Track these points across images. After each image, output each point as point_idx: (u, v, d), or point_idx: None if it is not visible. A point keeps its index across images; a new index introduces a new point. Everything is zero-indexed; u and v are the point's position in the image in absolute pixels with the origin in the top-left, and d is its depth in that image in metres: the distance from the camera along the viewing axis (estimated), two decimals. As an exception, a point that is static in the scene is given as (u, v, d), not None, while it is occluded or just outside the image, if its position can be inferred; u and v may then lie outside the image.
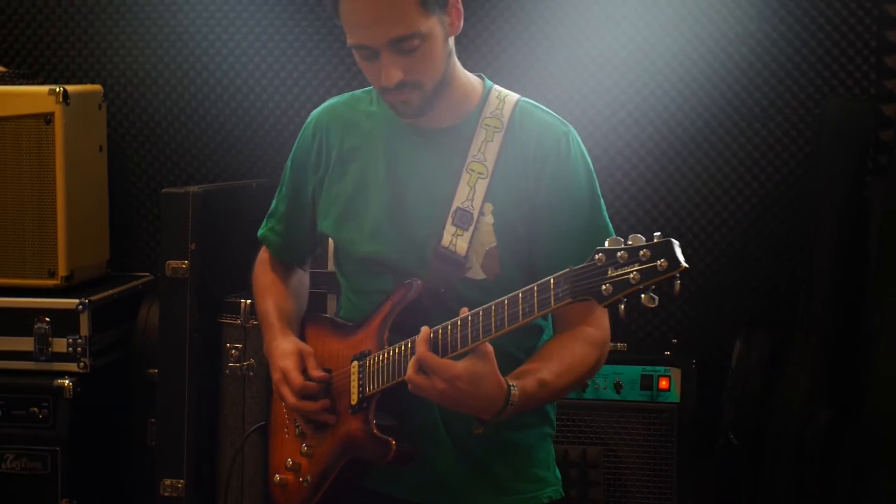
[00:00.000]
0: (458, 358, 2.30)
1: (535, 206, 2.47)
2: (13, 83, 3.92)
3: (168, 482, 3.64)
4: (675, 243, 2.06)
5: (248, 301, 3.66)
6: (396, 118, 2.54)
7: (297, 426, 2.64)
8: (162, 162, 4.29)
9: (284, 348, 2.62)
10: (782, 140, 3.97)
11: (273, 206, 2.79)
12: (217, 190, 3.89)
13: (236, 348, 3.67)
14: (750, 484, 3.65)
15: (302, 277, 2.85)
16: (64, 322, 3.74)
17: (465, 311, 2.31)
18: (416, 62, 2.38)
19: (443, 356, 2.30)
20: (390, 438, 2.44)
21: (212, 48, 4.21)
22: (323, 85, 4.16)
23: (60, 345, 3.74)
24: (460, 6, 2.45)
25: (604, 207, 2.52)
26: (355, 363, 2.52)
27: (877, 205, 3.69)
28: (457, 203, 2.48)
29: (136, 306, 3.99)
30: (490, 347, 2.27)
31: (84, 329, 3.74)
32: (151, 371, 3.77)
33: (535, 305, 2.21)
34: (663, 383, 3.59)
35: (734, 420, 3.68)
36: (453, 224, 2.48)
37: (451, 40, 2.46)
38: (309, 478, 2.60)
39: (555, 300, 2.18)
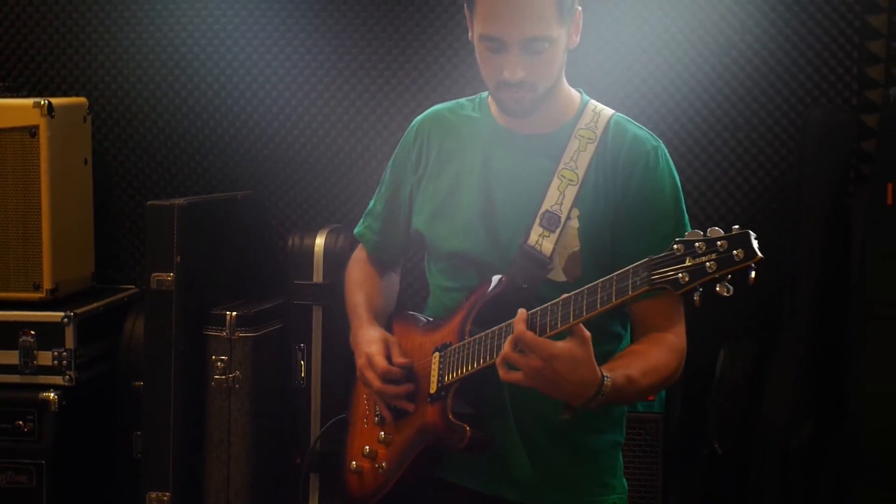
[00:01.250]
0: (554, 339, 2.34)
1: (620, 213, 2.55)
2: (-3, 96, 3.93)
3: (154, 495, 3.64)
4: (752, 235, 2.13)
5: (234, 313, 3.68)
6: (496, 123, 2.66)
7: (377, 415, 2.72)
8: (147, 174, 4.30)
9: (371, 335, 2.72)
10: (765, 150, 3.98)
11: (371, 205, 2.89)
12: (202, 202, 3.89)
13: (222, 360, 3.67)
14: (735, 493, 3.66)
15: (393, 278, 2.94)
16: (49, 335, 3.74)
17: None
18: (539, 64, 2.49)
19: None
20: (465, 425, 2.50)
21: (196, 60, 4.21)
22: (308, 97, 4.17)
23: (45, 358, 3.74)
24: (581, 22, 2.56)
25: (687, 222, 2.59)
26: (436, 354, 2.60)
27: (859, 214, 3.71)
28: (546, 206, 2.57)
29: (122, 319, 3.99)
30: (588, 333, 2.30)
31: (69, 342, 3.74)
32: (137, 384, 3.77)
33: (614, 294, 2.27)
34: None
35: (719, 429, 3.69)
36: (541, 225, 2.56)
37: (566, 53, 2.57)
38: (384, 464, 2.68)
39: (632, 287, 2.24)
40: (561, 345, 2.29)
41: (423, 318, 2.75)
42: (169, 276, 3.67)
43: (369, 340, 2.71)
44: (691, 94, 3.98)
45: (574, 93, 2.68)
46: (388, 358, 2.67)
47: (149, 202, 3.77)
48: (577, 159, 2.58)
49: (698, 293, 2.16)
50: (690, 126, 4.00)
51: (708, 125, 3.99)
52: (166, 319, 3.67)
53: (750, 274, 2.13)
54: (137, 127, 4.28)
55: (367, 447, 2.72)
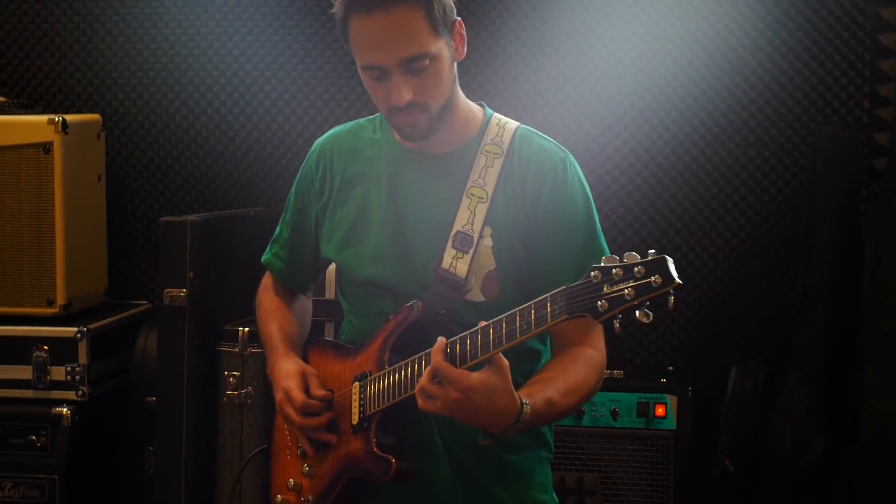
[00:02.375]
0: (471, 370, 2.31)
1: (533, 228, 2.51)
2: (12, 113, 3.94)
3: (164, 510, 3.66)
4: (669, 260, 2.09)
5: (247, 329, 3.68)
6: (398, 144, 2.59)
7: (299, 447, 2.67)
8: (160, 191, 4.31)
9: (287, 369, 2.66)
10: (777, 168, 3.99)
11: (277, 232, 2.83)
12: (215, 218, 3.90)
13: (234, 376, 3.68)
14: (746, 511, 3.66)
15: (305, 303, 2.88)
16: (62, 350, 3.75)
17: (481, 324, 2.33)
18: (424, 83, 2.43)
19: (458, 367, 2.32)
20: (390, 457, 2.46)
21: (209, 77, 4.24)
22: (320, 114, 4.19)
23: (59, 373, 3.75)
24: (464, 32, 2.50)
25: (600, 231, 2.55)
26: (356, 384, 2.55)
27: (871, 232, 3.71)
28: (457, 226, 2.52)
29: (135, 334, 4.00)
30: (506, 362, 2.28)
31: (82, 357, 3.75)
32: (149, 399, 3.77)
33: (533, 323, 2.23)
34: (659, 410, 3.60)
35: (730, 447, 3.68)
36: (453, 247, 2.51)
37: (455, 66, 2.51)
38: (310, 497, 2.63)
39: (551, 317, 2.20)
40: (477, 376, 2.26)
41: (339, 344, 2.70)
42: (182, 291, 3.68)
43: (287, 374, 2.65)
44: (702, 111, 4.00)
45: (475, 107, 2.61)
46: (307, 391, 2.61)
47: (162, 218, 3.77)
48: (486, 176, 2.53)
49: (618, 320, 2.13)
50: (702, 143, 4.01)
51: (719, 144, 4.00)
52: (179, 335, 3.68)
53: (669, 299, 2.09)
54: (151, 143, 4.30)
55: (292, 480, 2.66)
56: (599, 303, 2.13)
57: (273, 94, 4.21)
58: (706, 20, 3.95)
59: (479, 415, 2.28)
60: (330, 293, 3.80)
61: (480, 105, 2.63)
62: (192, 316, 3.68)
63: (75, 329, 3.76)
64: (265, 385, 3.66)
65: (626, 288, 2.10)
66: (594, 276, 2.14)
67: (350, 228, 2.63)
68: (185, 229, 3.70)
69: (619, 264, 2.13)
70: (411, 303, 2.51)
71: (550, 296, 2.21)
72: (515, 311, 2.27)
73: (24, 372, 3.75)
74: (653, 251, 2.11)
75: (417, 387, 2.32)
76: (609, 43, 4.01)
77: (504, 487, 2.57)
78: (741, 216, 4.02)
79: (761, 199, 4.00)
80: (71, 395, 3.74)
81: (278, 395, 2.63)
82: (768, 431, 3.62)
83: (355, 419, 2.54)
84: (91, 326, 3.81)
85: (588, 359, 2.49)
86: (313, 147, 2.73)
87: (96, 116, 4.12)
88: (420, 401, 2.32)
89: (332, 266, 3.76)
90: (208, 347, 3.71)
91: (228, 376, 3.68)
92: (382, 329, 2.54)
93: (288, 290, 2.85)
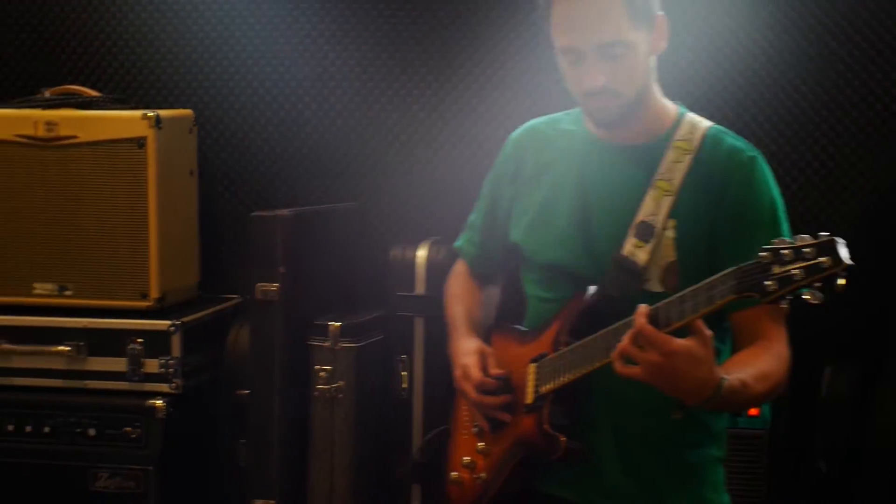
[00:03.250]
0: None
1: (717, 225, 2.56)
2: (107, 108, 3.98)
3: (258, 503, 3.68)
4: (840, 241, 2.12)
5: (337, 324, 3.70)
6: (592, 135, 2.69)
7: (475, 425, 2.77)
8: (251, 185, 4.35)
9: (467, 347, 2.78)
10: (867, 159, 3.93)
11: (471, 219, 2.94)
12: (306, 213, 3.93)
13: (325, 370, 3.70)
14: (841, 512, 3.62)
15: (492, 290, 2.99)
16: (156, 343, 3.79)
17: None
18: (618, 69, 2.52)
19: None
20: (560, 435, 2.54)
21: (300, 73, 4.26)
22: (410, 109, 4.20)
23: (153, 365, 3.79)
24: (665, 28, 2.59)
25: (786, 230, 2.58)
26: (532, 365, 2.65)
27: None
28: (641, 216, 2.58)
29: (226, 328, 4.03)
30: (709, 332, 2.29)
31: (176, 350, 3.78)
32: (241, 392, 3.80)
33: (701, 303, 2.26)
34: (753, 410, 3.57)
35: (825, 448, 3.65)
36: (635, 236, 2.58)
37: (653, 60, 2.60)
38: (483, 475, 2.73)
39: (719, 296, 2.23)
40: (681, 341, 2.28)
41: (520, 330, 2.78)
42: (273, 286, 3.71)
43: (466, 352, 2.77)
44: (793, 103, 3.95)
45: (670, 105, 2.69)
46: (485, 369, 2.71)
47: (253, 213, 3.81)
48: (674, 170, 2.59)
49: (786, 301, 2.15)
50: (788, 132, 3.96)
51: (806, 132, 3.95)
52: (271, 329, 3.71)
53: (837, 281, 2.11)
54: (242, 138, 4.33)
55: (467, 457, 2.77)
56: (768, 283, 2.15)
57: (364, 89, 4.23)
58: (793, 8, 3.91)
59: (679, 382, 2.30)
60: (420, 288, 3.81)
61: (676, 104, 2.70)
62: (283, 310, 3.71)
63: (169, 322, 3.80)
64: (357, 379, 3.70)
65: (796, 269, 2.13)
66: (764, 256, 2.17)
67: (538, 213, 2.72)
68: (276, 224, 3.73)
69: (789, 245, 2.15)
70: (589, 288, 2.58)
71: (719, 276, 2.24)
72: (687, 290, 2.30)
73: (120, 364, 3.79)
74: (824, 233, 2.13)
75: (617, 350, 2.34)
76: (694, 30, 3.97)
77: (671, 480, 2.62)
78: (835, 214, 3.96)
79: (856, 196, 3.95)
80: (165, 387, 3.78)
81: (457, 372, 2.76)
82: (864, 433, 3.58)
83: (529, 398, 2.62)
84: (184, 320, 3.84)
85: (777, 352, 2.52)
86: (510, 137, 2.86)
87: (189, 112, 4.15)
88: (618, 365, 2.35)
89: (423, 260, 3.82)
90: (299, 342, 3.74)
91: (319, 370, 3.71)
92: (560, 313, 2.63)
93: (477, 276, 2.97)
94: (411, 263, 3.85)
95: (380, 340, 3.84)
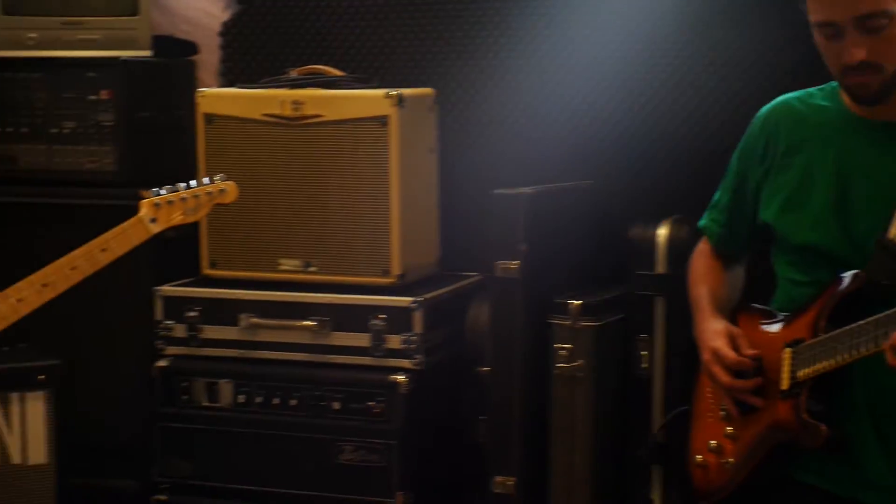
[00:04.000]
0: None
1: None
2: (351, 87, 4.05)
3: (499, 479, 3.69)
4: None
5: (578, 302, 3.68)
6: (849, 112, 2.59)
7: (723, 409, 2.71)
8: (490, 163, 4.36)
9: (715, 328, 2.71)
10: None
11: (716, 197, 2.89)
12: (547, 191, 3.92)
13: (565, 349, 3.69)
14: None
15: (738, 270, 2.94)
16: (398, 319, 3.84)
17: None
18: (879, 43, 2.41)
19: None
20: (821, 424, 2.47)
21: (539, 50, 4.25)
22: (650, 85, 4.14)
23: (395, 341, 3.84)
24: None
25: None
26: (787, 350, 2.56)
27: None
28: None
29: (466, 305, 4.04)
30: None
31: (418, 326, 3.83)
32: (482, 369, 3.82)
33: None
34: None
35: None
36: None
37: None
38: (732, 460, 2.68)
39: None
40: None
41: (770, 312, 2.70)
42: (514, 264, 3.71)
43: (715, 333, 2.69)
44: None
45: None
46: (736, 351, 2.64)
47: (495, 191, 3.81)
48: None
49: None
50: None
51: None
52: (511, 307, 3.72)
53: None
54: (481, 117, 4.35)
55: (714, 442, 2.70)
56: None
57: (602, 66, 4.19)
58: None
59: None
60: (661, 267, 3.76)
61: None
62: (523, 288, 3.71)
63: (411, 299, 3.84)
64: (597, 358, 3.68)
65: None
66: None
67: (791, 193, 2.65)
68: (518, 202, 3.74)
69: None
70: (853, 272, 2.49)
71: None
72: None
73: (363, 339, 3.86)
74: None
75: (891, 341, 2.27)
76: None
77: None
78: None
79: None
80: (406, 363, 3.82)
81: (705, 355, 2.69)
82: None
83: (785, 384, 2.54)
84: (425, 297, 3.88)
85: None
86: (758, 113, 2.77)
87: (430, 90, 4.19)
88: (891, 356, 2.28)
89: (664, 238, 3.77)
90: (540, 320, 3.73)
91: (560, 349, 3.69)
92: (819, 297, 2.54)
93: (722, 256, 2.91)
94: (652, 242, 3.80)
95: (620, 320, 3.81)
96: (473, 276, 4.23)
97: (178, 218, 2.83)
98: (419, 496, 3.84)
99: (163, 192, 2.82)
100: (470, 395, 3.92)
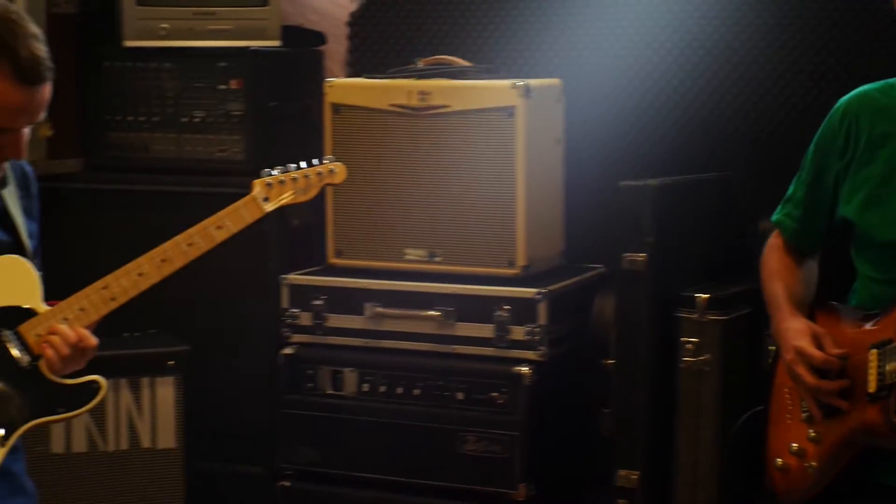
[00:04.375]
0: None
1: None
2: (477, 78, 4.05)
3: (623, 473, 3.66)
4: None
5: (705, 296, 3.64)
6: None
7: (804, 411, 2.63)
8: (617, 155, 4.32)
9: (797, 327, 2.63)
10: None
11: (790, 191, 2.82)
12: (674, 183, 3.87)
13: (692, 343, 3.64)
14: None
15: (812, 265, 2.85)
16: (522, 311, 3.82)
17: None
18: None
19: None
20: None
21: (668, 41, 4.21)
22: (782, 78, 4.08)
23: (519, 333, 3.82)
24: None
25: None
26: (874, 351, 2.48)
27: None
28: None
29: (590, 297, 4.01)
30: None
31: (542, 318, 3.81)
32: (606, 362, 3.79)
33: None
34: None
35: None
36: None
37: None
38: (815, 463, 2.61)
39: None
40: None
41: (850, 311, 2.62)
42: (641, 256, 3.68)
43: (797, 332, 2.61)
44: None
45: None
46: (820, 350, 2.56)
47: (622, 182, 3.78)
48: None
49: None
50: None
51: None
52: (637, 300, 3.68)
53: None
54: (608, 108, 4.31)
55: (795, 445, 2.62)
56: None
57: (734, 58, 4.14)
58: None
59: None
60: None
61: None
62: (650, 281, 3.68)
63: (535, 290, 3.83)
64: (724, 352, 3.63)
65: None
66: None
67: (875, 189, 2.58)
68: (645, 193, 3.70)
69: None
70: None
71: None
72: None
73: (487, 330, 3.85)
74: None
75: None
76: None
77: None
78: None
79: None
80: (531, 354, 3.81)
81: (788, 355, 2.61)
82: None
83: (872, 387, 2.46)
84: (550, 288, 3.86)
85: None
86: (837, 105, 2.69)
87: (557, 81, 4.16)
88: None
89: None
90: (666, 313, 3.69)
91: (686, 343, 3.65)
92: None
93: (797, 251, 2.83)
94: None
95: (747, 314, 3.74)
96: (597, 268, 4.21)
97: (288, 197, 2.88)
98: (541, 488, 3.82)
99: (274, 172, 2.88)
100: (593, 387, 3.89)
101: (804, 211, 2.79)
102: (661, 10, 4.20)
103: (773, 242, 2.88)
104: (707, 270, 3.89)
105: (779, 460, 2.68)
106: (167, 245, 2.76)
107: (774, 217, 2.86)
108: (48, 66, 2.52)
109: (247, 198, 2.85)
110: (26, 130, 2.57)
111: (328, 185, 2.98)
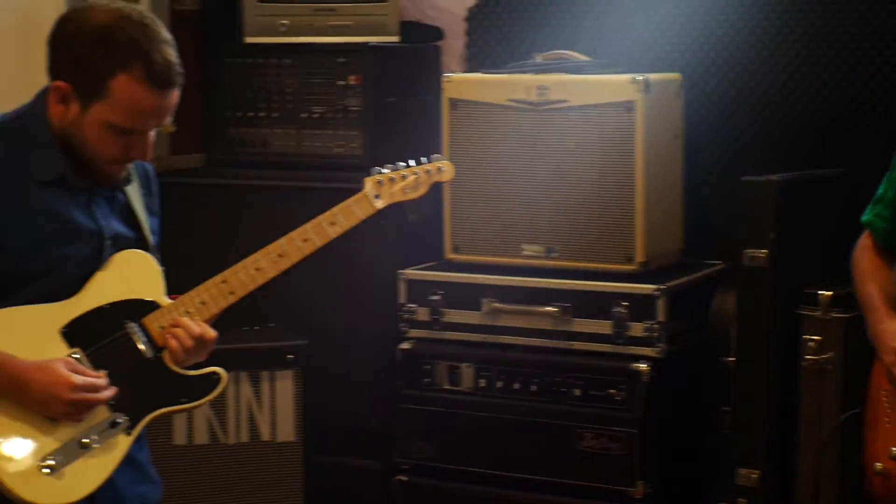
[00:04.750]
0: None
1: None
2: (596, 72, 4.02)
3: (743, 472, 3.62)
4: None
5: (828, 293, 3.57)
6: None
7: None
8: (737, 150, 4.27)
9: (895, 330, 2.52)
10: None
11: (880, 191, 2.78)
12: (797, 179, 3.82)
13: (814, 340, 3.58)
14: None
15: None
16: (641, 307, 3.79)
17: None
18: None
19: None
20: None
21: (792, 34, 4.15)
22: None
23: (637, 329, 3.79)
24: None
25: None
26: None
27: None
28: None
29: (709, 294, 3.97)
30: None
31: (661, 314, 3.77)
32: (726, 359, 3.75)
33: None
34: None
35: None
36: None
37: None
38: None
39: None
40: None
41: None
42: (762, 252, 3.63)
43: (894, 334, 2.52)
44: None
45: None
46: None
47: (744, 177, 3.72)
48: None
49: None
50: None
51: None
52: (759, 296, 3.64)
53: None
54: (729, 102, 4.26)
55: (894, 449, 2.56)
56: None
57: (859, 50, 4.07)
58: None
59: None
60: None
61: None
62: (771, 277, 3.63)
63: (654, 286, 3.79)
64: (848, 350, 3.56)
65: None
66: None
67: None
68: (767, 189, 3.65)
69: None
70: None
71: None
72: None
73: (605, 327, 3.83)
74: None
75: None
76: None
77: None
78: None
79: None
80: (649, 351, 3.78)
81: (888, 357, 2.58)
82: None
83: None
84: (669, 284, 3.83)
85: None
86: None
87: (676, 75, 4.13)
88: None
89: None
90: (788, 310, 3.64)
91: (808, 340, 3.59)
92: None
93: (888, 251, 2.79)
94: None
95: (870, 312, 3.68)
96: (717, 264, 4.16)
97: (398, 195, 2.92)
98: (659, 486, 3.79)
99: (384, 170, 2.91)
100: (713, 385, 3.84)
101: (894, 211, 2.73)
102: (783, 4, 4.14)
103: (864, 243, 2.85)
104: (830, 267, 3.82)
105: (878, 465, 2.64)
106: (283, 240, 2.79)
107: (864, 217, 2.82)
108: (179, 71, 2.57)
109: (359, 195, 2.88)
110: (152, 133, 2.62)
111: (437, 182, 3.01)
